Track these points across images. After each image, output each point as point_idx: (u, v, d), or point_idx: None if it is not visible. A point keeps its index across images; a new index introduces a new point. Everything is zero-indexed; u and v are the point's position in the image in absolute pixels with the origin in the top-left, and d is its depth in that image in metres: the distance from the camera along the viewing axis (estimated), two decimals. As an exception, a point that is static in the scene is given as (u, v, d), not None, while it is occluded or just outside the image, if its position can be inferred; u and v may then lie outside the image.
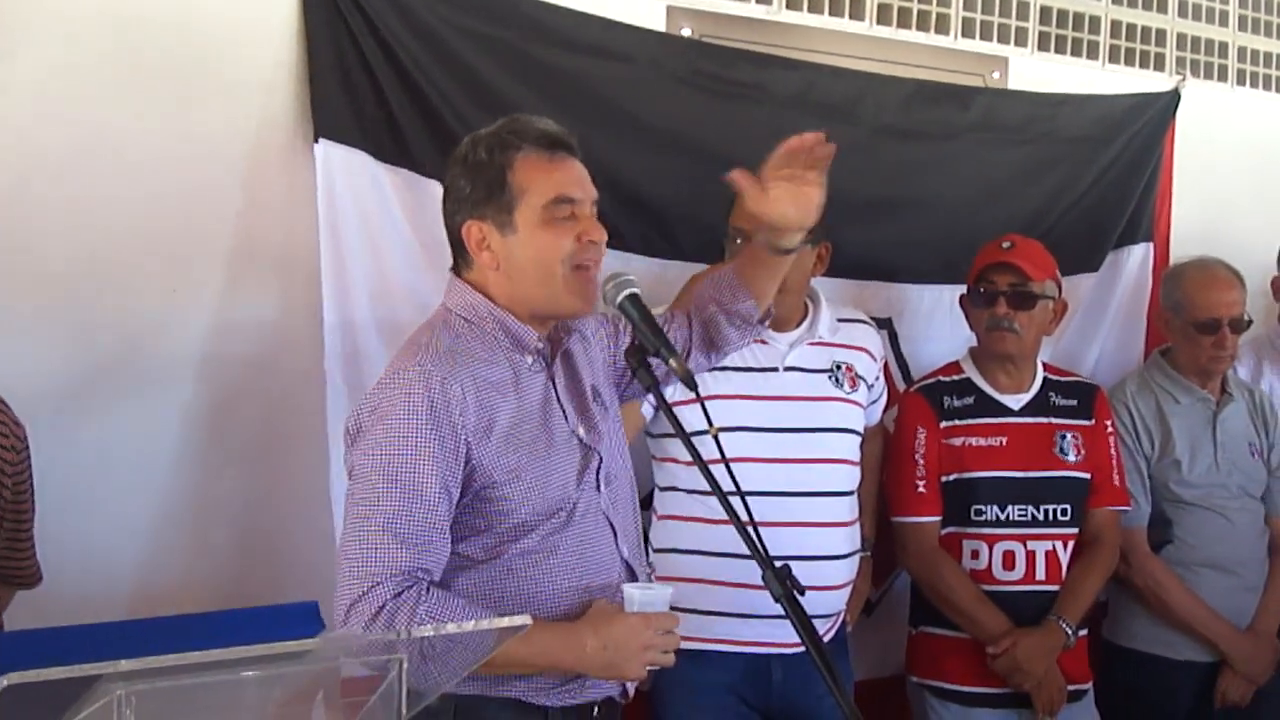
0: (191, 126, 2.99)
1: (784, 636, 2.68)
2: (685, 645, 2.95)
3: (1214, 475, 3.69)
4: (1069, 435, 3.47)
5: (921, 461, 3.42)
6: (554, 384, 2.38)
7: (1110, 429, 3.55)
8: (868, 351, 3.27)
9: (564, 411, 2.36)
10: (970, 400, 3.46)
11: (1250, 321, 3.77)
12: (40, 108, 2.85)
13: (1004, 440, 3.43)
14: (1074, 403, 3.52)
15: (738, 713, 3.07)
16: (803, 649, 2.87)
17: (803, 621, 2.06)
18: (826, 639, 3.11)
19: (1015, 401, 3.48)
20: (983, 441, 3.43)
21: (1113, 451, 3.53)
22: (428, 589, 2.13)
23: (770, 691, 3.06)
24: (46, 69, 2.85)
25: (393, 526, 2.13)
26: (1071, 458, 3.45)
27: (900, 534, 3.44)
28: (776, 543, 2.74)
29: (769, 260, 2.65)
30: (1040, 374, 3.53)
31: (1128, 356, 4.20)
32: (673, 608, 2.97)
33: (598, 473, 2.36)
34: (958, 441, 3.42)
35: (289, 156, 3.08)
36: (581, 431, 2.36)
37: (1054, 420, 3.48)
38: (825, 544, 3.08)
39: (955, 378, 3.51)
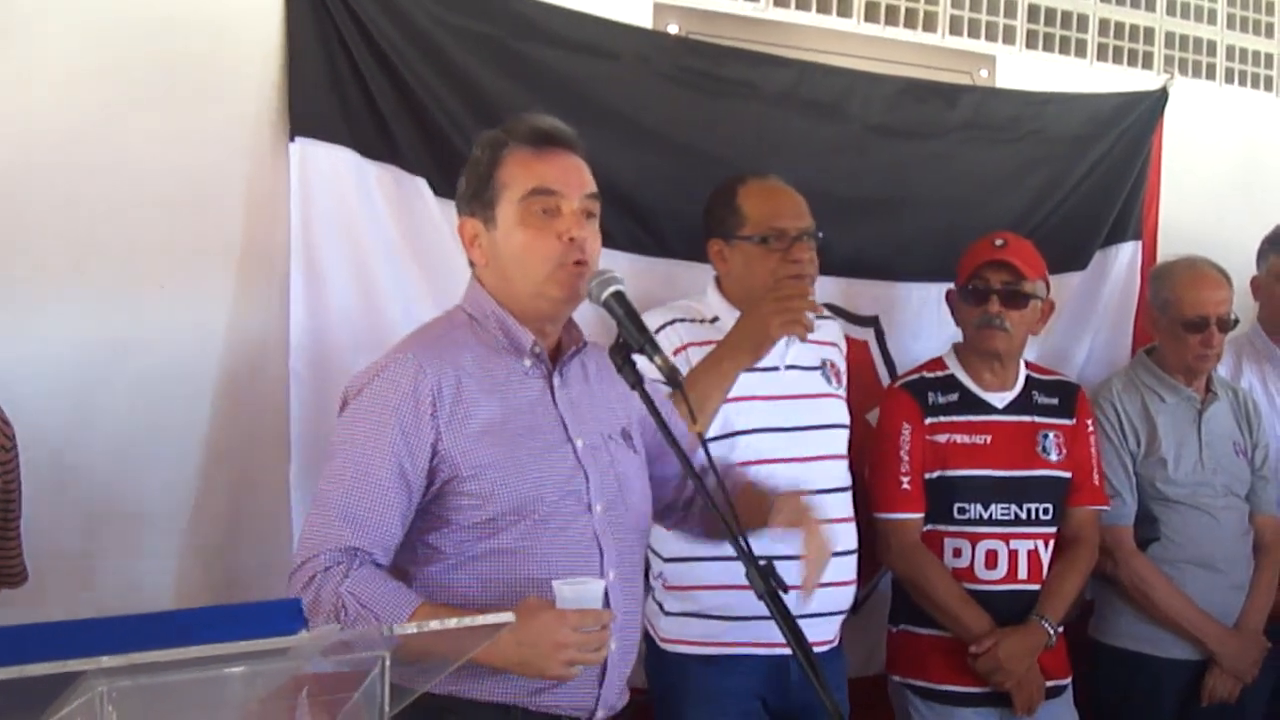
0: (181, 124, 2.98)
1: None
2: (710, 651, 3.01)
3: (1199, 473, 3.70)
4: (1051, 434, 3.48)
5: (906, 458, 3.41)
6: (552, 390, 2.37)
7: (1090, 428, 3.56)
8: (838, 346, 3.33)
9: (562, 420, 2.36)
10: (955, 397, 3.46)
11: (1237, 321, 3.78)
12: (30, 108, 2.84)
13: (988, 438, 3.44)
14: (1055, 401, 3.53)
15: (756, 717, 3.10)
16: (821, 648, 2.94)
17: (787, 620, 2.05)
18: (837, 638, 3.21)
19: (999, 400, 3.48)
20: (967, 439, 3.43)
21: (1093, 450, 3.54)
22: (359, 566, 2.17)
23: (789, 691, 3.08)
24: (33, 69, 2.84)
25: (342, 505, 2.20)
26: (1054, 457, 3.46)
27: (883, 531, 3.44)
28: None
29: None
30: (1023, 372, 3.54)
31: (1116, 355, 4.20)
32: (700, 616, 3.02)
33: (587, 491, 2.33)
34: (942, 439, 3.42)
35: (276, 154, 3.08)
36: (580, 444, 2.35)
37: (1037, 419, 3.49)
38: (842, 540, 3.12)
39: (940, 374, 3.51)
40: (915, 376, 3.53)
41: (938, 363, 3.54)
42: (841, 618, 3.22)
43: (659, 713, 3.15)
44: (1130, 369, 3.88)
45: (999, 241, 3.45)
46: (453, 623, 1.78)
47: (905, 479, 3.41)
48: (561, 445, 2.34)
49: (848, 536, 3.18)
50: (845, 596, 3.20)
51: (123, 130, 2.93)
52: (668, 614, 3.10)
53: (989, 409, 3.46)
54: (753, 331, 2.93)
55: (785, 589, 2.07)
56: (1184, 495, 3.68)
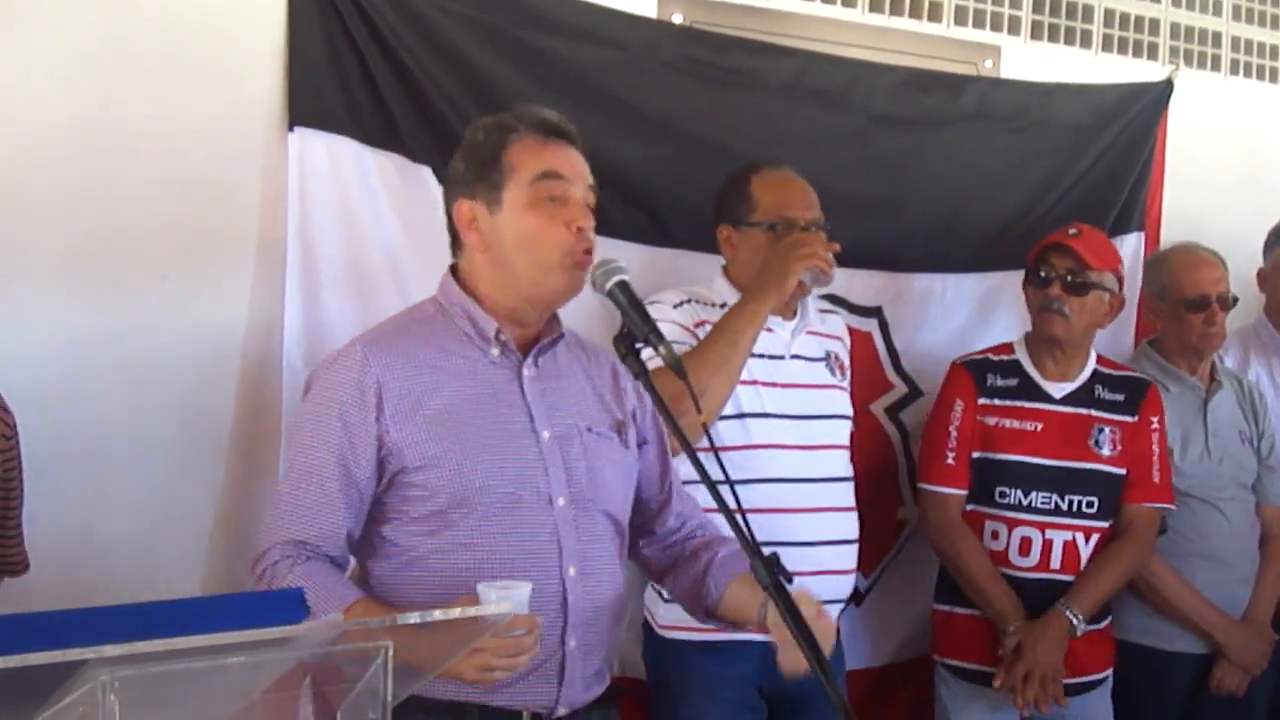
0: (183, 114, 2.97)
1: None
2: (708, 638, 3.00)
3: (1206, 463, 3.70)
4: (1107, 429, 3.48)
5: (955, 434, 3.44)
6: (521, 380, 2.34)
7: (1155, 425, 3.54)
8: (842, 339, 3.35)
9: (529, 410, 2.32)
10: (1014, 382, 3.48)
11: (1236, 299, 3.79)
12: (29, 96, 2.84)
13: (1040, 426, 3.45)
14: (1120, 397, 3.52)
15: (752, 705, 3.10)
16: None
17: (791, 611, 2.04)
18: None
19: (1058, 390, 3.49)
20: (1018, 425, 3.45)
21: (1154, 447, 3.53)
22: (305, 560, 2.20)
23: (785, 680, 3.06)
24: (32, 58, 2.84)
25: (291, 500, 2.26)
26: (1106, 451, 3.46)
27: (923, 502, 3.48)
28: (808, 528, 2.99)
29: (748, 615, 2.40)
30: (1091, 366, 3.54)
31: (1118, 346, 4.18)
32: None
33: (547, 484, 2.30)
34: (992, 421, 3.45)
35: (278, 144, 3.07)
36: (546, 435, 2.32)
37: (1094, 413, 3.49)
38: (844, 529, 3.17)
39: (1004, 358, 3.53)
40: (980, 357, 3.56)
41: (1005, 347, 3.57)
42: (839, 607, 3.22)
43: (656, 700, 3.15)
44: (1133, 361, 3.87)
45: (1072, 230, 3.49)
46: (456, 612, 1.78)
47: (950, 454, 3.43)
48: (524, 436, 2.31)
49: (848, 526, 3.20)
50: (844, 585, 3.21)
51: (124, 120, 2.92)
52: (667, 600, 3.10)
53: (1046, 397, 3.48)
54: (775, 270, 2.98)
55: (790, 579, 2.06)
56: (1191, 487, 3.67)
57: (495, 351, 2.33)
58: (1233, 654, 3.65)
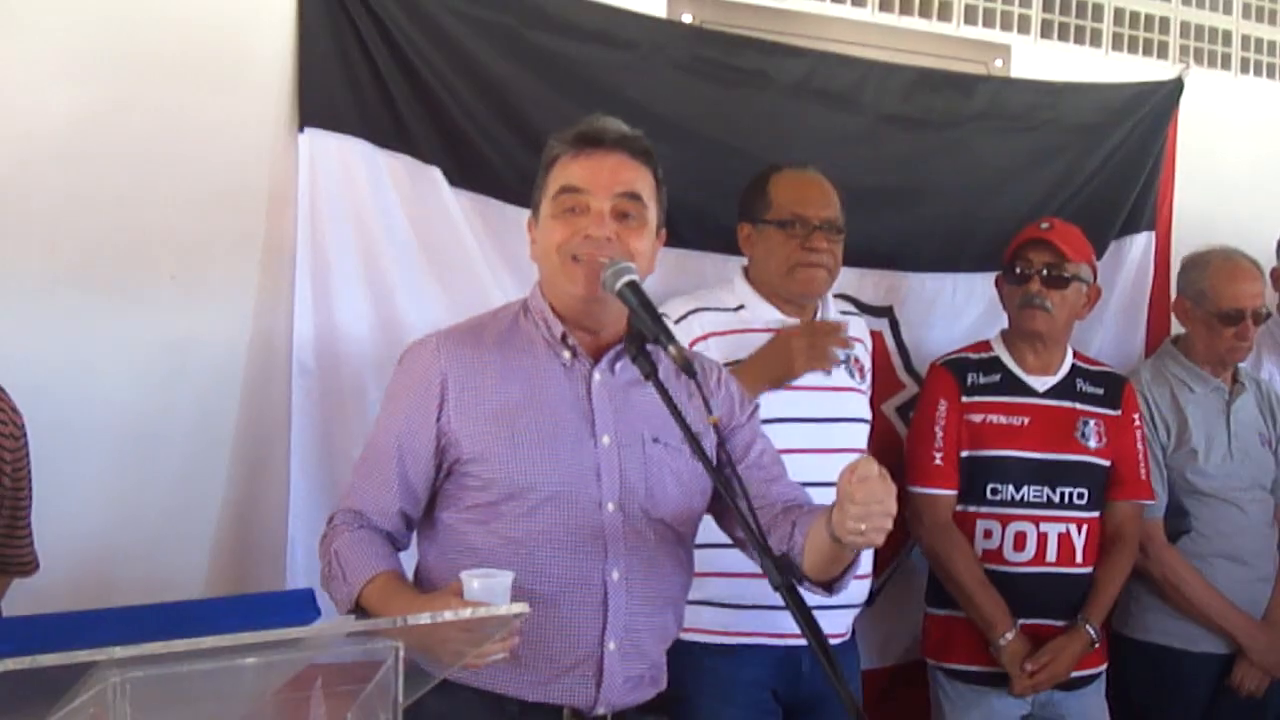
0: (193, 116, 2.98)
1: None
2: (722, 641, 3.02)
3: (1228, 465, 3.69)
4: (1092, 422, 3.48)
5: (940, 434, 3.43)
6: (589, 385, 2.38)
7: (1137, 423, 3.56)
8: (862, 342, 3.34)
9: (591, 416, 2.36)
10: (996, 378, 3.48)
11: (1269, 314, 3.78)
12: (40, 98, 2.84)
13: (1026, 420, 3.45)
14: (1100, 391, 3.53)
15: (767, 708, 3.10)
16: (834, 641, 2.94)
17: (803, 612, 2.03)
18: (850, 632, 3.22)
19: (1041, 384, 3.49)
20: (1004, 420, 3.45)
21: (1139, 445, 3.54)
22: (356, 528, 2.35)
23: (800, 683, 3.08)
24: (40, 61, 2.84)
25: (360, 473, 2.42)
26: (1092, 444, 3.47)
27: (915, 505, 3.45)
28: None
29: (831, 548, 2.23)
30: (1069, 360, 3.55)
31: (1128, 347, 4.19)
32: (712, 604, 3.00)
33: (598, 489, 2.32)
34: (978, 418, 3.44)
35: (288, 145, 3.07)
36: (605, 441, 2.35)
37: (1078, 406, 3.50)
38: None
39: (983, 355, 3.53)
40: (958, 356, 3.56)
41: (983, 345, 3.57)
42: (856, 611, 3.22)
43: (669, 702, 3.14)
44: (1157, 360, 3.87)
45: (1045, 224, 3.51)
46: (467, 613, 1.78)
47: (939, 454, 3.42)
48: (581, 440, 2.34)
49: None
50: (860, 590, 3.20)
51: (133, 121, 2.93)
52: None
53: (1029, 391, 3.48)
54: (776, 365, 3.00)
55: (801, 580, 2.06)
56: (1214, 487, 3.67)
57: (566, 355, 2.39)
58: (1255, 655, 3.64)
